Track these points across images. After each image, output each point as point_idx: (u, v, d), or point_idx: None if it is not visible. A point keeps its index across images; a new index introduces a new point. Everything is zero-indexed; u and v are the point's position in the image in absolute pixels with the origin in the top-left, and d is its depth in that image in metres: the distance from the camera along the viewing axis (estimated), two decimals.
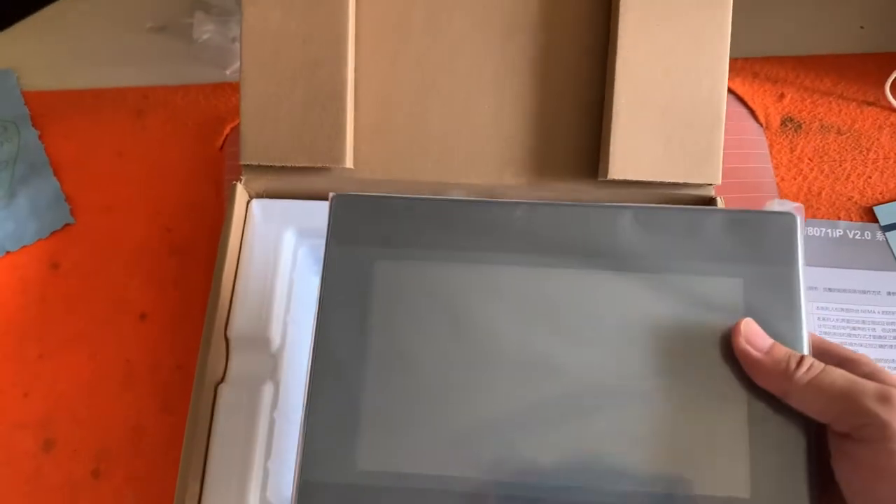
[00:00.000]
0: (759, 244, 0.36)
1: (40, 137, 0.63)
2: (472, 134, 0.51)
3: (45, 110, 0.64)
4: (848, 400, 0.30)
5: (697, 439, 0.33)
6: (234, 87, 0.64)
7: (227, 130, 0.62)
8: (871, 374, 0.31)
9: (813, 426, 0.33)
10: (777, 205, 0.38)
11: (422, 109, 0.51)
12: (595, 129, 0.50)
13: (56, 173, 0.61)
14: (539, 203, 0.38)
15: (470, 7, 0.51)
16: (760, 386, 0.33)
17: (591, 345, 0.35)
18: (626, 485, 0.33)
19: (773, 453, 0.33)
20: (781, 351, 0.32)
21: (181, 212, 0.60)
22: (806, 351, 0.33)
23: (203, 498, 0.45)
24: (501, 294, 0.36)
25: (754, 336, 0.33)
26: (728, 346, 0.34)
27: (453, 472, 0.34)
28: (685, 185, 0.49)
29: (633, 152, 0.48)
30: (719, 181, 0.49)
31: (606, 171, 0.48)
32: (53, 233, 0.59)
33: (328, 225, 0.38)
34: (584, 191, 0.51)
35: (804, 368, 0.31)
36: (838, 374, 0.31)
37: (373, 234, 0.38)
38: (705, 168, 0.49)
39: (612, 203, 0.38)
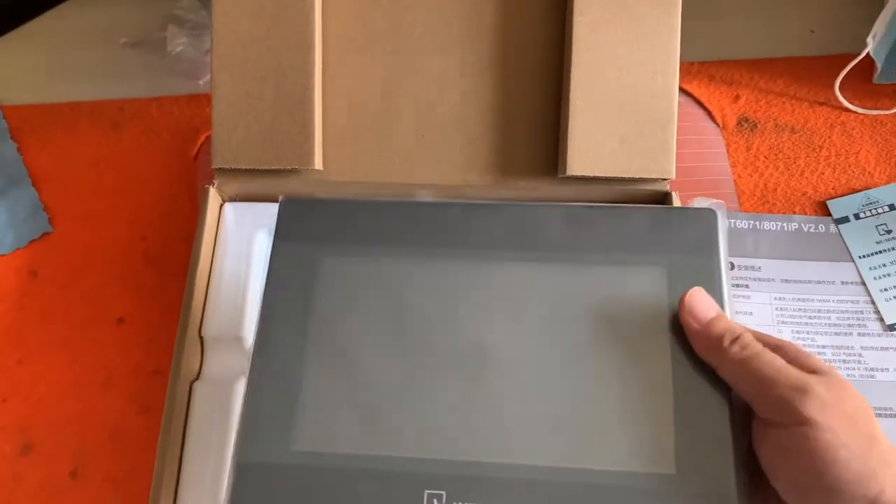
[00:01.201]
0: (682, 238, 0.38)
1: (19, 150, 0.64)
2: (437, 135, 0.53)
3: (23, 123, 0.65)
4: (770, 386, 0.31)
5: (624, 417, 0.35)
6: (207, 99, 0.65)
7: (201, 140, 0.63)
8: (794, 359, 0.32)
9: (735, 404, 0.34)
10: (700, 202, 0.40)
11: (388, 111, 0.53)
12: (554, 128, 0.52)
13: (34, 184, 0.63)
14: (474, 203, 0.40)
15: (431, 12, 0.53)
16: (699, 355, 0.34)
17: (521, 331, 0.37)
18: (553, 460, 0.34)
19: (699, 429, 0.34)
20: (721, 325, 0.34)
21: (157, 220, 0.61)
22: None
23: (179, 493, 0.47)
24: (437, 286, 0.38)
25: (697, 307, 0.35)
26: (654, 329, 0.36)
27: (384, 452, 0.35)
28: (641, 180, 0.51)
29: (589, 149, 0.50)
30: (673, 175, 0.51)
31: (565, 168, 0.50)
32: (32, 242, 0.61)
33: (276, 226, 0.40)
34: (545, 188, 0.52)
35: (738, 346, 0.33)
36: (768, 360, 0.32)
37: (317, 233, 0.40)
38: (660, 163, 0.51)
39: (544, 202, 0.40)
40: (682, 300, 0.35)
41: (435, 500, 0.34)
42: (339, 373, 0.37)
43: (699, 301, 0.35)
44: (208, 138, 0.64)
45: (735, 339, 0.33)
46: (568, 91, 0.50)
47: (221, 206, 0.54)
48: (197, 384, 0.49)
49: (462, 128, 0.53)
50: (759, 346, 0.32)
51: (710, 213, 0.38)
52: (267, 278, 0.39)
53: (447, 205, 0.40)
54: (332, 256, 0.39)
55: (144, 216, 0.61)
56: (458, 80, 0.53)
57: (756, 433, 0.33)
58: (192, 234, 0.58)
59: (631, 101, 0.50)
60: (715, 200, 0.39)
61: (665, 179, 0.52)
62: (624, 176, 0.51)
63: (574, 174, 0.50)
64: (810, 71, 0.64)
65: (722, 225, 0.38)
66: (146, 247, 0.60)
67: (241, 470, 0.35)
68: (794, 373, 0.31)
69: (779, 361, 0.32)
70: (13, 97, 0.67)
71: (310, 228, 0.40)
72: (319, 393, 0.36)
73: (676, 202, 0.52)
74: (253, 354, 0.37)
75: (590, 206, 0.40)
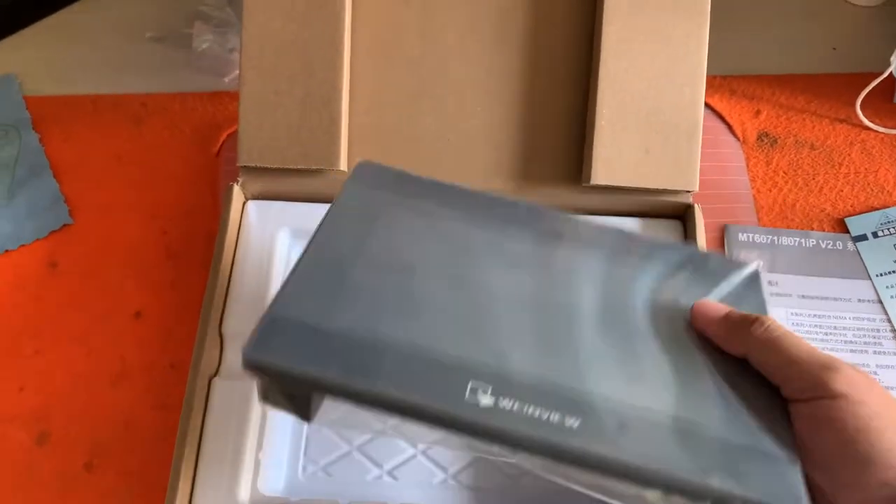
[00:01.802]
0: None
1: (41, 141, 0.64)
2: (463, 139, 0.53)
3: (46, 115, 0.66)
4: (800, 363, 0.32)
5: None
6: (231, 96, 0.66)
7: (223, 137, 0.64)
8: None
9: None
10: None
11: (414, 114, 0.53)
12: (579, 136, 0.53)
13: (55, 176, 0.63)
14: (526, 204, 0.42)
15: (461, 16, 0.53)
16: (726, 350, 0.35)
17: (577, 283, 0.38)
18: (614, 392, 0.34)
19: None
20: (737, 314, 0.35)
21: (178, 215, 0.61)
22: None
23: (195, 488, 0.47)
24: (498, 238, 0.40)
25: (710, 306, 0.36)
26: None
27: (421, 341, 0.34)
28: (664, 191, 0.52)
29: (614, 159, 0.51)
30: (696, 188, 0.51)
31: (589, 177, 0.51)
32: (52, 233, 0.61)
33: (350, 177, 0.42)
34: (567, 196, 0.53)
35: (763, 328, 0.33)
36: (795, 341, 0.33)
37: (385, 185, 0.42)
38: (684, 175, 0.51)
39: (598, 223, 0.43)
40: (692, 310, 0.36)
41: (480, 390, 0.33)
42: (393, 276, 0.37)
43: (707, 304, 0.36)
44: (230, 136, 0.64)
45: (759, 322, 0.34)
46: (595, 100, 0.51)
47: (244, 203, 0.55)
48: (216, 380, 0.50)
49: (487, 133, 0.53)
50: (783, 328, 0.33)
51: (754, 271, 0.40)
52: (333, 204, 0.40)
53: (515, 203, 0.42)
54: (395, 203, 0.41)
55: (166, 211, 0.62)
56: (486, 86, 0.53)
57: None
58: (214, 230, 0.58)
59: (657, 111, 0.51)
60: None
61: (688, 192, 0.52)
62: (647, 187, 0.51)
63: (598, 183, 0.50)
64: (832, 88, 0.65)
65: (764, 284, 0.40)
66: (167, 241, 0.60)
67: (274, 321, 0.34)
68: (821, 353, 0.32)
69: (805, 342, 0.33)
70: (36, 88, 0.67)
71: (379, 180, 0.42)
72: (369, 283, 0.36)
73: (699, 215, 0.52)
74: (308, 245, 0.37)
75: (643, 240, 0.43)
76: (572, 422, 0.32)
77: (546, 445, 0.32)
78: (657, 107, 0.51)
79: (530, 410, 0.32)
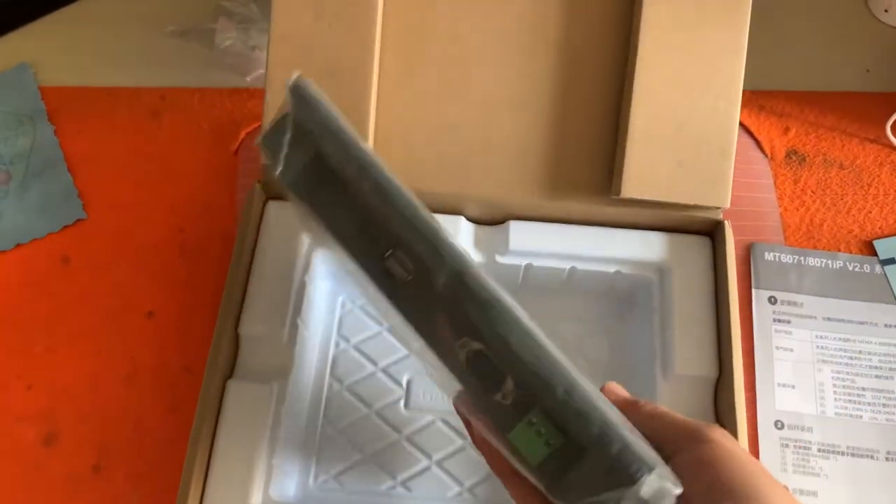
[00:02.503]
0: None
1: (56, 133, 0.63)
2: (490, 147, 0.52)
3: (61, 106, 0.65)
4: (679, 426, 0.35)
5: None
6: (250, 93, 0.64)
7: (242, 135, 0.63)
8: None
9: None
10: None
11: (441, 120, 0.52)
12: (610, 147, 0.51)
13: (70, 169, 0.62)
14: None
15: (493, 19, 0.52)
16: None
17: None
18: None
19: None
20: (624, 393, 0.39)
21: (194, 213, 0.60)
22: None
23: (206, 493, 0.45)
24: None
25: (616, 388, 0.40)
26: None
27: None
28: (694, 206, 0.51)
29: (646, 172, 0.49)
30: (728, 204, 0.50)
31: (619, 190, 0.49)
32: (65, 227, 0.59)
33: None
34: (595, 208, 0.52)
35: (650, 405, 0.37)
36: (672, 414, 0.36)
37: None
38: (716, 191, 0.50)
39: None
40: (603, 389, 0.39)
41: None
42: None
43: (616, 386, 0.40)
44: (249, 134, 0.63)
45: (646, 402, 0.38)
46: (628, 110, 0.49)
47: (265, 203, 0.53)
48: (231, 382, 0.48)
49: (515, 141, 0.52)
50: (663, 407, 0.37)
51: None
52: None
53: None
54: None
55: (182, 208, 0.60)
56: (515, 92, 0.52)
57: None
58: (230, 229, 0.58)
59: (690, 124, 0.50)
60: None
61: (718, 208, 0.51)
62: (679, 202, 0.50)
63: (629, 196, 0.49)
64: (862, 108, 0.64)
65: None
66: (182, 239, 0.59)
67: None
68: (695, 421, 0.36)
69: (679, 415, 0.36)
70: (51, 78, 0.66)
71: None
72: None
73: (729, 232, 0.51)
74: None
75: None
76: None
77: None
78: (691, 119, 0.50)
79: None
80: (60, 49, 0.68)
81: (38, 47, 0.68)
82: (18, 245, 0.59)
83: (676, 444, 0.34)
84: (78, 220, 0.60)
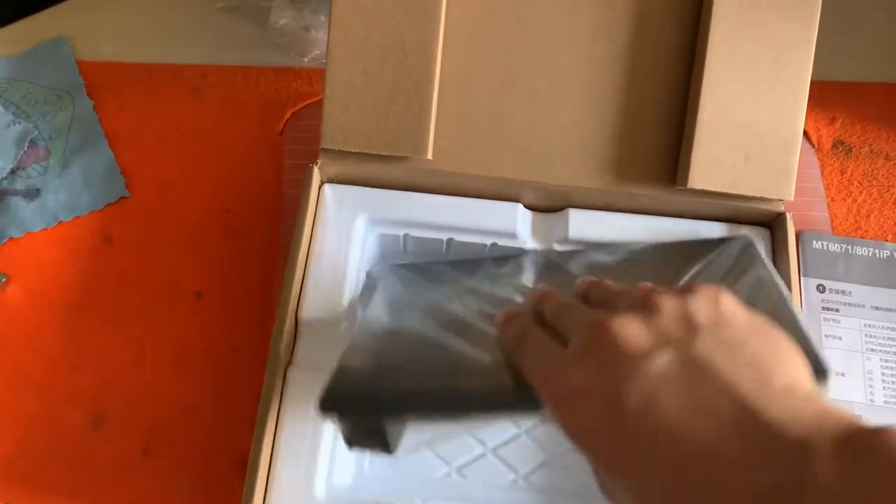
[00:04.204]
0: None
1: (95, 108, 0.62)
2: (552, 133, 0.51)
3: (100, 80, 0.63)
4: None
5: None
6: (295, 72, 0.63)
7: (287, 115, 0.61)
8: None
9: None
10: None
11: (503, 104, 0.51)
12: (675, 136, 0.51)
13: (111, 145, 0.60)
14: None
15: (559, 5, 0.51)
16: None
17: None
18: None
19: None
20: None
21: (239, 192, 0.59)
22: None
23: (270, 482, 0.45)
24: None
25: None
26: None
27: None
28: (758, 198, 0.50)
29: (712, 163, 0.49)
30: (792, 197, 0.50)
31: (686, 180, 0.49)
32: (108, 205, 0.58)
33: None
34: (658, 197, 0.51)
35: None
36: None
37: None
38: (781, 185, 0.50)
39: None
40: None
41: None
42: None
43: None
44: (294, 114, 0.62)
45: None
46: (697, 101, 0.49)
47: (321, 186, 0.52)
48: (291, 370, 0.48)
49: (579, 128, 0.51)
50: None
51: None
52: None
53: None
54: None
55: (227, 187, 0.59)
56: (580, 78, 0.51)
57: None
58: (276, 210, 0.57)
59: (757, 118, 0.49)
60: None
61: (780, 200, 0.51)
62: (744, 194, 0.50)
63: (695, 187, 0.49)
64: None
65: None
66: (228, 219, 0.58)
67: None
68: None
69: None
70: (89, 52, 0.65)
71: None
72: None
73: (790, 224, 0.51)
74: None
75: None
76: None
77: None
78: (758, 113, 0.49)
79: None
80: (99, 23, 0.66)
81: (76, 21, 0.66)
82: (60, 223, 0.57)
83: None
84: (121, 198, 0.59)
